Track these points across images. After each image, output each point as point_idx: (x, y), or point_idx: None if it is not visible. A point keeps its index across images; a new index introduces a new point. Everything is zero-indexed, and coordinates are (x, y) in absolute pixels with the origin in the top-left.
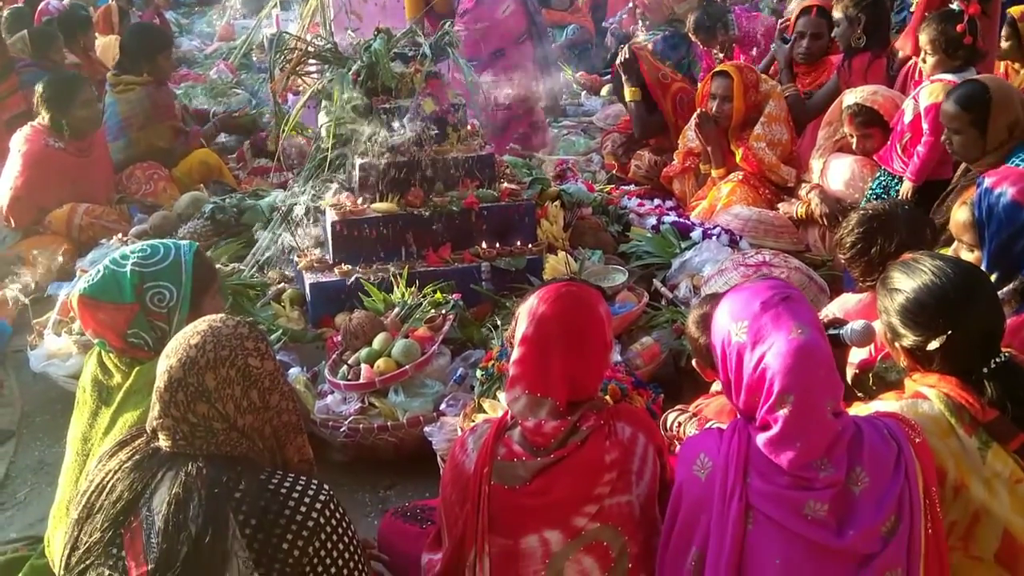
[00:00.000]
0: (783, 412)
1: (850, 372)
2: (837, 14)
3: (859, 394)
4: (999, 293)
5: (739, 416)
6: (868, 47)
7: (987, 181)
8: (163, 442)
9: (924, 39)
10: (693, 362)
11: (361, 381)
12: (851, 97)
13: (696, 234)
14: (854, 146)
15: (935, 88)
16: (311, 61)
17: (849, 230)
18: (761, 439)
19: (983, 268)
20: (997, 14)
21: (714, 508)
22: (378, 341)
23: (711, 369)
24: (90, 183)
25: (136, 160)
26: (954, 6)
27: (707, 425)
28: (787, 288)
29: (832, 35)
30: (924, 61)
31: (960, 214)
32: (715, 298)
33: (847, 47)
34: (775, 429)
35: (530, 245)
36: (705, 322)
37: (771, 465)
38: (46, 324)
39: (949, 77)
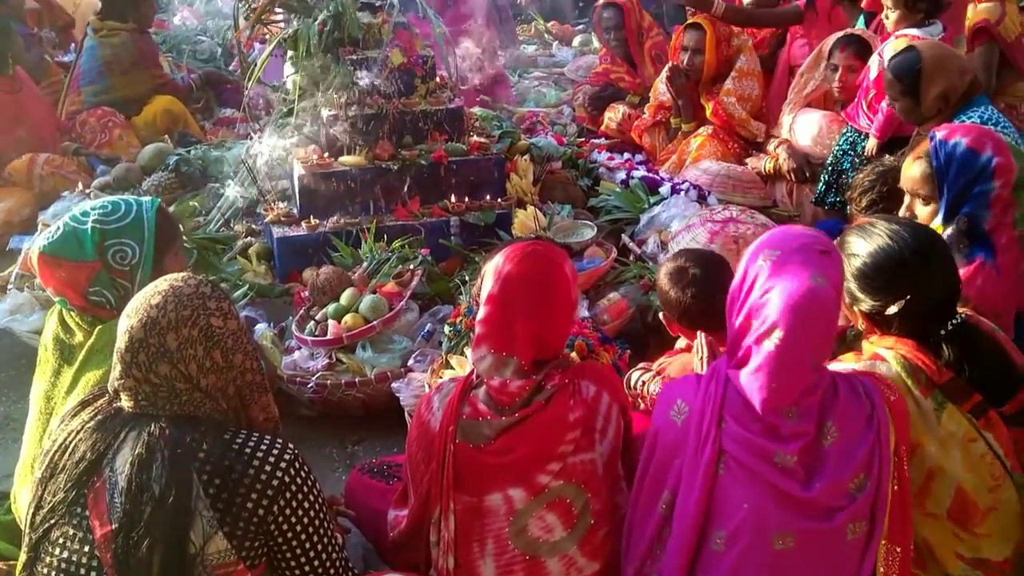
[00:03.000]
0: (768, 344)
1: None
2: None
3: None
4: (944, 235)
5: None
6: None
7: (939, 134)
8: (125, 402)
9: None
10: (660, 315)
11: (328, 337)
12: (841, 32)
13: (665, 189)
14: (835, 82)
15: (899, 44)
16: (277, 9)
17: (863, 189)
18: (743, 373)
19: (941, 217)
20: None
21: (687, 452)
22: (345, 296)
23: (677, 323)
24: (30, 122)
25: (113, 105)
26: None
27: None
28: (831, 245)
29: None
30: (887, 17)
31: (916, 168)
32: (689, 252)
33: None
34: (756, 360)
35: (499, 199)
36: (678, 275)
37: (745, 410)
38: (8, 279)
39: (913, 32)
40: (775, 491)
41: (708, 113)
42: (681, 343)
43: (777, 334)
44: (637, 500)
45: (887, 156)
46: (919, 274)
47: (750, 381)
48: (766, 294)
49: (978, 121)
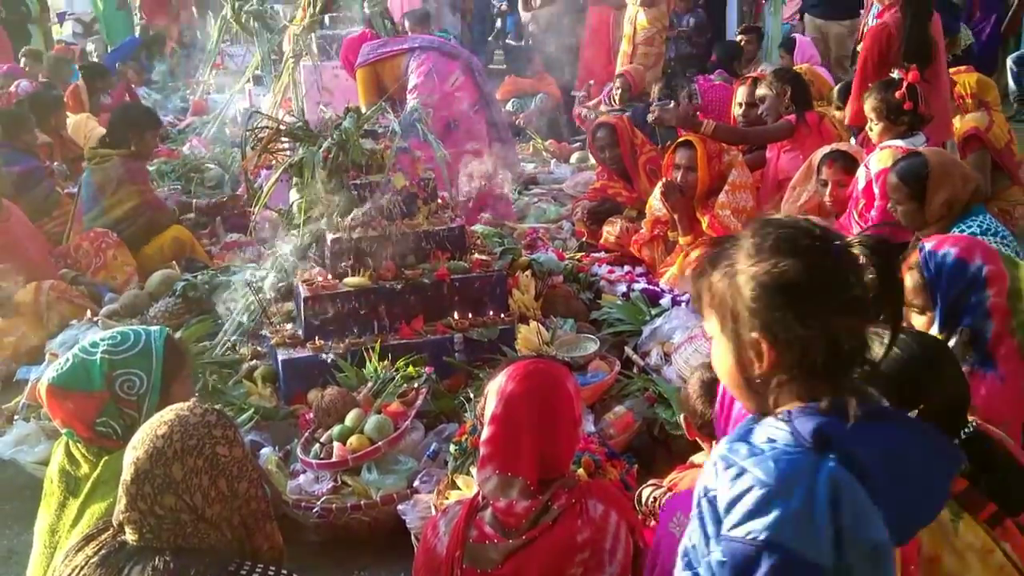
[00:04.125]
0: None
1: None
2: (761, 91)
3: None
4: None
5: None
6: (800, 111)
7: (928, 245)
8: (130, 536)
9: (868, 107)
10: (680, 416)
11: (334, 460)
12: (828, 148)
13: (665, 301)
14: (826, 196)
15: (884, 155)
16: (283, 138)
17: None
18: None
19: (936, 326)
20: (942, 78)
21: None
22: (350, 418)
23: (697, 430)
24: (20, 247)
25: (108, 227)
26: (894, 74)
27: None
28: None
29: (759, 112)
30: (871, 129)
31: (907, 279)
32: None
33: (777, 117)
34: None
35: (502, 315)
36: (709, 387)
37: None
38: (16, 409)
39: (897, 143)
40: None
41: (704, 226)
42: (696, 459)
43: None
44: None
45: None
46: (929, 383)
47: None
48: None
49: (977, 231)
